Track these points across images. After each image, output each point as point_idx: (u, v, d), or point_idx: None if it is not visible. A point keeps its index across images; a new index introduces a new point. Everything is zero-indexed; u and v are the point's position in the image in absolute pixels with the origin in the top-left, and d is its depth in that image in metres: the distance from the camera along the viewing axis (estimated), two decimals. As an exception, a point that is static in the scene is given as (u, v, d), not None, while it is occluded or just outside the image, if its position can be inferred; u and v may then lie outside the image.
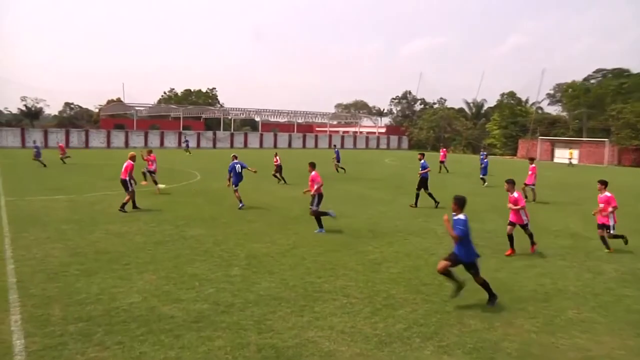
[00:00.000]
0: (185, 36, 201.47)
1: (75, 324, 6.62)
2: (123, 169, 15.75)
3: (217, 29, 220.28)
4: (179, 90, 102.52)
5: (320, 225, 13.00)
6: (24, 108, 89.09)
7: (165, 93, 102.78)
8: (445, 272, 7.66)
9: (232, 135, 75.39)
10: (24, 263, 9.40)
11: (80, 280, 8.48)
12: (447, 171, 33.65)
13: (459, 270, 7.75)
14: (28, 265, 9.25)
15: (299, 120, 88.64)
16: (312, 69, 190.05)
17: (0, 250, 10.35)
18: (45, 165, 31.20)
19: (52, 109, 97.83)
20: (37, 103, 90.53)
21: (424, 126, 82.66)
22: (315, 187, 12.90)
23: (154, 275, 8.85)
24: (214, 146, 70.73)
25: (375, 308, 7.54)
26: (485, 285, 7.75)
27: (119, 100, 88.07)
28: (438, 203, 17.53)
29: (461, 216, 7.64)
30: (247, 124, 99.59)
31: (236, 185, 16.81)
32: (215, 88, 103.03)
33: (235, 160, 17.14)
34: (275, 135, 79.18)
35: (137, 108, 78.00)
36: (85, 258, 9.88)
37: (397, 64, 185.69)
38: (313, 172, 13.10)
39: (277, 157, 25.92)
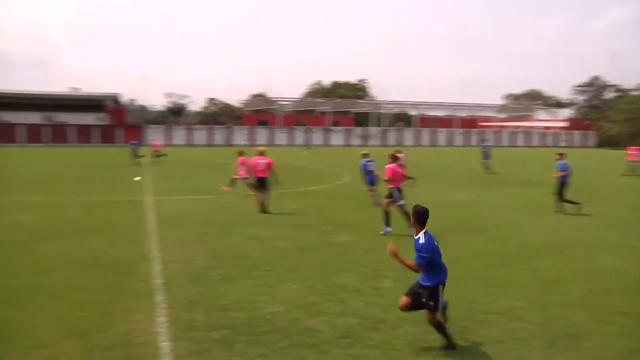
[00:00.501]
0: (333, 22, 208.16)
1: (217, 330, 7.19)
2: (261, 168, 16.69)
3: (369, 15, 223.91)
4: (327, 82, 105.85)
5: (387, 223, 13.45)
6: (169, 105, 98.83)
7: (311, 86, 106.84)
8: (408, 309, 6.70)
9: (384, 131, 76.11)
10: (168, 265, 10.45)
11: (222, 285, 9.19)
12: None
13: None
14: (172, 268, 10.26)
15: (462, 114, 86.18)
16: (476, 54, 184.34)
17: (146, 251, 11.64)
18: (140, 165, 34.64)
19: (196, 105, 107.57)
20: (182, 99, 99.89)
21: (617, 118, 75.60)
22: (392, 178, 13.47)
23: (297, 285, 9.27)
24: (365, 143, 71.82)
25: (553, 337, 7.08)
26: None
27: (262, 94, 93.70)
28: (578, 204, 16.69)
29: (421, 236, 6.47)
30: (401, 118, 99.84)
31: (372, 185, 17.35)
32: (366, 79, 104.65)
33: (367, 159, 17.66)
34: (433, 131, 78.21)
35: (281, 102, 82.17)
36: (226, 262, 10.69)
37: (583, 44, 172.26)
38: (392, 165, 13.76)
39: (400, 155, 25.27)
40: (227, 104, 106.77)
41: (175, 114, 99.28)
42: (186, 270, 10.12)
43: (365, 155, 18.10)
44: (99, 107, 69.20)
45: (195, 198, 19.57)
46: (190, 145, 66.50)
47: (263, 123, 76.68)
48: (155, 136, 65.77)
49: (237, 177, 21.03)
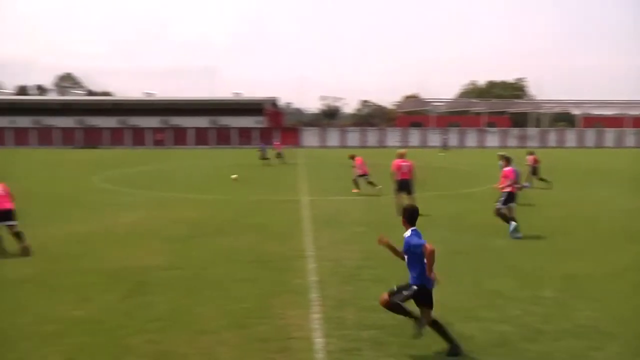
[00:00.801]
0: (491, 21, 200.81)
1: (368, 330, 7.25)
2: (404, 170, 16.38)
3: (527, 10, 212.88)
4: (482, 82, 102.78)
5: (508, 222, 13.30)
6: (323, 107, 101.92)
7: (465, 86, 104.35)
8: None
9: (543, 132, 71.91)
10: (322, 263, 10.75)
11: (373, 286, 9.24)
12: None
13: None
14: (325, 266, 10.54)
15: (635, 112, 78.25)
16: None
17: (302, 249, 12.07)
18: (269, 164, 36.01)
19: (350, 107, 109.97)
20: (336, 102, 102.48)
21: None
22: (507, 183, 13.60)
23: (450, 288, 9.04)
24: (522, 145, 68.34)
25: None
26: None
27: (415, 96, 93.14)
28: None
29: (408, 233, 6.58)
30: (562, 118, 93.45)
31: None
32: (524, 78, 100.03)
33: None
34: (600, 132, 72.23)
35: (434, 104, 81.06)
36: (378, 263, 10.73)
37: None
38: (507, 168, 13.89)
39: (533, 157, 23.53)
40: (379, 105, 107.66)
41: (329, 117, 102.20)
42: (339, 269, 10.34)
43: (503, 158, 17.27)
44: (259, 110, 73.28)
45: (349, 199, 19.92)
46: (343, 146, 67.96)
47: (416, 124, 76.19)
48: (284, 138, 68.23)
49: (357, 176, 21.85)
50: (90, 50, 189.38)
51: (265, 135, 69.40)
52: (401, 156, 16.64)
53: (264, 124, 72.64)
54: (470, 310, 8.00)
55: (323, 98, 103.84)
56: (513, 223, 13.20)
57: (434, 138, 69.35)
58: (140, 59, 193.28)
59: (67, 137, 68.76)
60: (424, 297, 6.57)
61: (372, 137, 70.92)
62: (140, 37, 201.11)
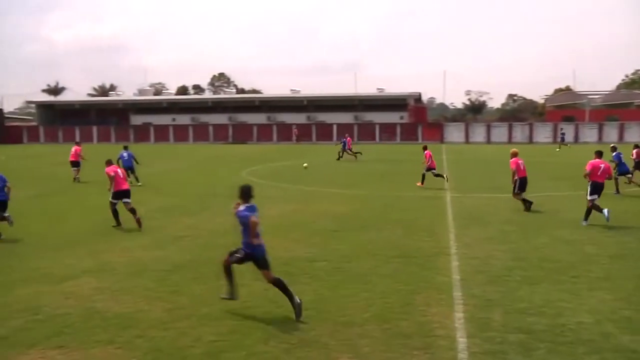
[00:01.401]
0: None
1: (515, 333, 6.95)
2: (523, 168, 16.57)
3: None
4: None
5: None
6: (468, 102, 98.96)
7: (626, 77, 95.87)
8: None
9: None
10: (466, 262, 10.48)
11: (522, 287, 8.84)
12: None
13: None
14: (470, 264, 10.27)
15: None
16: None
17: (445, 246, 11.86)
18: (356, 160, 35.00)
19: (495, 101, 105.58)
20: (481, 97, 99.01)
21: None
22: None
23: (609, 295, 8.40)
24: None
25: None
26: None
27: (568, 88, 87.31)
28: None
29: (242, 208, 7.79)
30: None
31: (625, 174, 20.31)
32: None
33: (618, 151, 20.43)
34: None
35: (589, 97, 75.48)
36: (529, 264, 10.24)
37: None
38: (594, 160, 14.27)
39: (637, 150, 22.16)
40: (528, 99, 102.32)
41: (473, 112, 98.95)
42: (484, 268, 10.02)
43: (614, 149, 20.72)
44: (402, 106, 72.92)
45: (494, 196, 19.18)
46: (489, 142, 65.51)
47: (568, 119, 71.21)
48: (427, 134, 66.65)
49: (425, 170, 22.47)
50: (242, 51, 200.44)
51: (408, 131, 68.96)
52: (515, 155, 16.84)
53: (407, 120, 72.16)
54: (632, 321, 7.37)
55: (467, 92, 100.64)
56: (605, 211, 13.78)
57: (590, 133, 64.46)
58: (287, 57, 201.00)
59: (220, 133, 73.34)
60: (256, 262, 7.88)
61: (519, 132, 67.51)
62: (287, 37, 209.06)
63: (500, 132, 67.53)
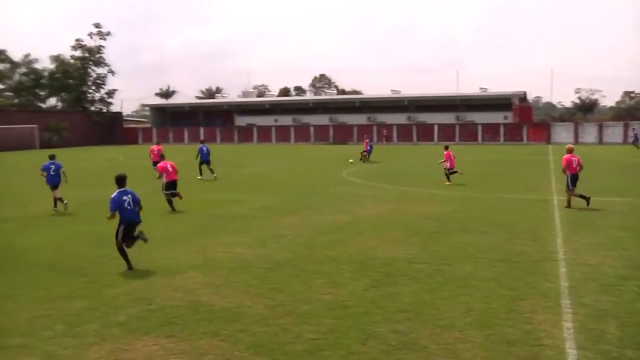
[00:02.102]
0: None
1: (635, 349, 6.43)
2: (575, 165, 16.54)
3: None
4: None
5: None
6: (577, 101, 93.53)
7: None
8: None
9: None
10: (575, 268, 9.89)
11: (639, 299, 8.21)
12: None
13: None
14: (579, 271, 9.67)
15: None
16: None
17: (552, 251, 11.26)
18: None
19: (609, 99, 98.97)
20: (592, 94, 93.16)
21: None
22: None
23: None
24: None
25: None
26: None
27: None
28: None
29: (114, 193, 10.33)
30: None
31: None
32: None
33: None
34: None
35: None
36: (646, 273, 9.51)
37: None
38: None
39: None
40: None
41: (584, 111, 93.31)
42: (595, 275, 9.41)
43: None
44: (506, 105, 70.22)
45: (605, 200, 17.96)
46: (600, 143, 61.61)
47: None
48: (533, 134, 63.33)
49: (447, 171, 23.49)
50: (342, 52, 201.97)
51: (513, 132, 66.42)
52: (570, 151, 16.92)
53: (511, 120, 69.46)
54: None
55: (577, 90, 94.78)
56: None
57: None
58: (387, 57, 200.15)
59: (321, 134, 74.22)
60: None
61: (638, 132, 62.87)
62: (386, 37, 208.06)
63: (614, 132, 63.21)
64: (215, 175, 26.37)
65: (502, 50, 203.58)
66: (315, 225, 14.48)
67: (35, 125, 65.77)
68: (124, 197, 10.38)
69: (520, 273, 9.64)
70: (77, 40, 79.09)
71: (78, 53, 79.31)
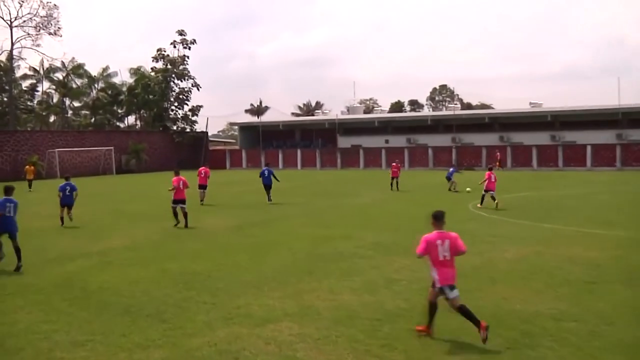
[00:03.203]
0: None
1: None
2: None
3: None
4: None
5: None
6: None
7: None
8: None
9: None
10: None
11: None
12: None
13: None
14: None
15: None
16: None
17: None
18: None
19: None
20: None
21: None
22: None
23: None
24: None
25: None
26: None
27: None
28: None
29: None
30: None
31: None
32: None
33: None
34: None
35: None
36: None
37: None
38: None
39: None
40: None
41: None
42: None
43: None
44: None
45: None
46: None
47: None
48: None
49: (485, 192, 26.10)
50: (468, 57, 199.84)
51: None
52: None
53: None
54: None
55: None
56: None
57: None
58: (526, 62, 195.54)
59: (442, 157, 73.31)
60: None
61: None
62: (526, 35, 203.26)
63: None
64: (271, 201, 31.08)
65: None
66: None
67: (111, 147, 70.19)
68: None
69: None
70: (159, 50, 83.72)
71: (160, 65, 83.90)
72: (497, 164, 64.81)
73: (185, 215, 22.30)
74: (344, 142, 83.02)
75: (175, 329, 9.99)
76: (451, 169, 39.84)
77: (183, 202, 22.77)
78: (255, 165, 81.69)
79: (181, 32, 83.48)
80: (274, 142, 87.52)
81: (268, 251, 17.16)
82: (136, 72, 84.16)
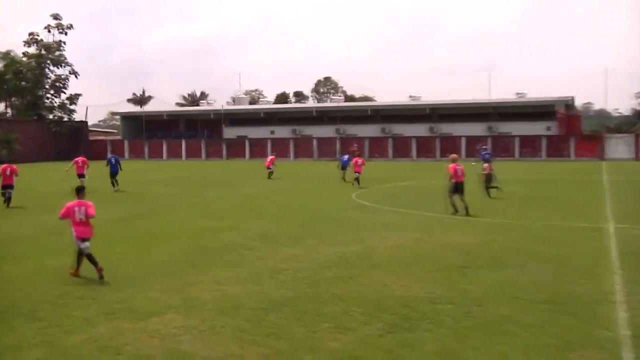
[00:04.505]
0: None
1: None
2: None
3: None
4: None
5: None
6: (638, 108, 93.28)
7: None
8: None
9: None
10: (639, 313, 9.78)
11: None
12: None
13: None
14: (645, 317, 9.59)
15: None
16: None
17: (609, 291, 11.18)
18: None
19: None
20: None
21: None
22: None
23: None
24: None
25: None
26: None
27: None
28: None
29: None
30: None
31: None
32: None
33: None
34: None
35: None
36: None
37: None
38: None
39: None
40: None
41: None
42: (663, 322, 9.31)
43: None
44: (549, 114, 70.28)
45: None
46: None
47: None
48: (581, 148, 63.20)
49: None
50: (350, 52, 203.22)
51: (556, 145, 66.34)
52: (454, 160, 22.72)
53: (556, 131, 69.43)
54: None
55: (638, 95, 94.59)
56: None
57: None
58: (405, 58, 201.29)
59: (326, 148, 74.37)
60: None
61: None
62: (405, 34, 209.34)
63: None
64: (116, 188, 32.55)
65: (545, 48, 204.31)
66: (320, 257, 14.44)
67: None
68: None
69: (569, 318, 9.57)
70: (32, 34, 79.20)
71: (33, 50, 79.55)
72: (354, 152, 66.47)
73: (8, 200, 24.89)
74: (229, 132, 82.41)
75: (52, 327, 9.51)
76: (345, 157, 39.49)
77: (10, 187, 25.06)
78: (138, 157, 79.61)
79: (56, 16, 79.68)
80: (158, 133, 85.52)
81: (152, 243, 16.76)
82: (5, 56, 79.01)
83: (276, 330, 9.12)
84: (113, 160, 33.46)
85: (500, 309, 10.11)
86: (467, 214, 21.26)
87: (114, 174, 32.92)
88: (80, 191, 12.90)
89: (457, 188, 21.97)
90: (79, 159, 32.53)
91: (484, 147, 54.57)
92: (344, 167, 37.65)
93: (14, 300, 11.15)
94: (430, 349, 8.23)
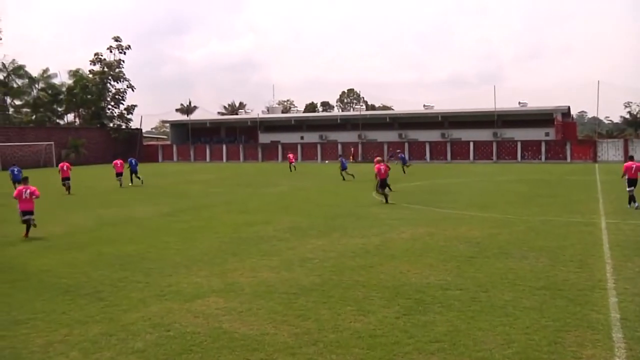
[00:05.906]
0: None
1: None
2: None
3: None
4: None
5: None
6: (627, 116, 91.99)
7: None
8: None
9: None
10: (628, 298, 9.66)
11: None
12: None
13: None
14: (634, 302, 9.45)
15: None
16: None
17: (601, 279, 11.03)
18: None
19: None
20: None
21: None
22: None
23: None
24: None
25: None
26: None
27: None
28: None
29: None
30: None
31: None
32: None
33: None
34: None
35: None
36: None
37: None
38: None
39: None
40: None
41: (635, 126, 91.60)
42: (649, 306, 9.17)
43: None
44: (547, 121, 69.43)
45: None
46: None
47: None
48: (577, 152, 62.30)
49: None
50: (371, 65, 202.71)
51: (555, 149, 65.57)
52: (380, 162, 25.24)
53: (554, 136, 68.62)
54: None
55: (627, 104, 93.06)
56: None
57: None
58: (419, 71, 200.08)
59: (349, 151, 74.25)
60: None
61: None
62: (419, 49, 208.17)
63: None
64: (132, 184, 35.15)
65: (544, 62, 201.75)
66: (344, 248, 14.46)
67: (51, 143, 67.38)
68: None
69: (565, 302, 9.47)
70: (96, 54, 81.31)
71: (97, 68, 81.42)
72: (351, 157, 66.55)
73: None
74: (264, 138, 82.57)
75: (112, 306, 9.72)
76: (343, 160, 40.49)
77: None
78: (185, 159, 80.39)
79: (117, 39, 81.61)
80: (202, 138, 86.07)
81: (196, 235, 16.90)
82: (75, 74, 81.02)
83: (305, 312, 9.16)
84: (133, 162, 36.99)
85: (504, 294, 10.03)
86: (386, 202, 23.90)
87: (134, 172, 36.39)
88: (24, 180, 17.75)
89: (383, 184, 24.70)
90: (63, 164, 32.48)
91: (398, 150, 59.64)
92: (344, 168, 38.83)
93: (80, 282, 11.40)
94: (441, 329, 8.20)
